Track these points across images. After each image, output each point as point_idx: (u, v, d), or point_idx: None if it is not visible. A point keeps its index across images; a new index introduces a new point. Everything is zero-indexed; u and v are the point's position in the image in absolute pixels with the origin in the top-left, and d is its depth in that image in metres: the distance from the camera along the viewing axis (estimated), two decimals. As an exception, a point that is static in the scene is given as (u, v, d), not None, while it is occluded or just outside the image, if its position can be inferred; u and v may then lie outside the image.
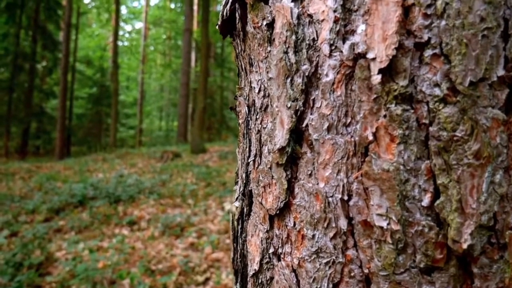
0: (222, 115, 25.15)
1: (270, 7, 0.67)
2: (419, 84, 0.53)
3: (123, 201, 7.62)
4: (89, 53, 28.34)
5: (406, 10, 0.54)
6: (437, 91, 0.52)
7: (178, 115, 20.58)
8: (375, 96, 0.54)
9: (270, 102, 0.66)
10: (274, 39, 0.66)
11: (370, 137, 0.54)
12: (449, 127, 0.52)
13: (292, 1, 0.63)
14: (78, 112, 24.95)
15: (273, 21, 0.66)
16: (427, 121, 0.53)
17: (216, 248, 5.29)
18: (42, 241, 5.45)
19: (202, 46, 14.96)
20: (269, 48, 0.67)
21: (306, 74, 0.60)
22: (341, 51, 0.57)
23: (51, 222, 6.46)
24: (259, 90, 0.69)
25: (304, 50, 0.61)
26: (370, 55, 0.54)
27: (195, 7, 25.14)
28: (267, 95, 0.67)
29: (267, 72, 0.66)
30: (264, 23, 0.67)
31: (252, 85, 0.72)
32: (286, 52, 0.62)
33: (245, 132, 0.76)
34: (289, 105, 0.61)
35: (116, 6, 23.87)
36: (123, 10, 37.79)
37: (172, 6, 32.79)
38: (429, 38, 0.52)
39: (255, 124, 0.71)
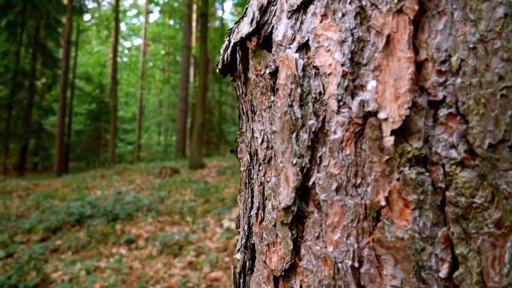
0: (221, 130, 25.14)
1: (273, 55, 0.63)
2: (434, 145, 0.49)
3: (121, 219, 7.53)
4: (88, 70, 28.43)
5: (419, 66, 0.50)
6: (453, 154, 0.48)
7: (176, 130, 20.55)
8: (387, 157, 0.50)
9: (274, 155, 0.62)
10: (277, 89, 0.62)
11: (383, 202, 0.50)
12: (467, 192, 0.48)
13: (296, 51, 0.60)
14: (77, 128, 24.89)
15: (276, 70, 0.63)
16: (443, 185, 0.49)
17: (215, 267, 5.20)
18: (38, 262, 5.35)
19: (201, 61, 15.03)
20: (272, 98, 0.64)
21: (313, 129, 0.56)
22: (350, 108, 0.53)
23: (48, 242, 6.36)
24: (262, 141, 0.66)
25: (310, 104, 0.57)
26: (381, 115, 0.50)
27: (194, 24, 25.35)
28: (270, 147, 0.63)
29: (271, 124, 0.63)
30: (267, 71, 0.64)
31: (255, 134, 0.69)
32: (291, 106, 0.59)
33: (247, 181, 0.72)
34: (294, 162, 0.57)
35: (116, 23, 24.04)
36: (123, 27, 38.07)
37: (171, 22, 33.04)
38: (444, 97, 0.49)
39: (257, 175, 0.68)
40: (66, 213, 7.64)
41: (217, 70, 0.78)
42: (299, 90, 0.58)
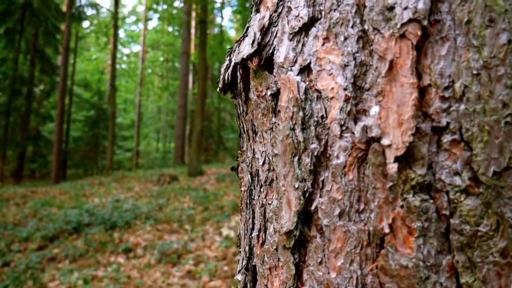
0: (220, 136, 25.13)
1: (274, 77, 0.63)
2: (437, 172, 0.49)
3: (119, 227, 7.49)
4: (87, 76, 28.43)
5: (422, 91, 0.50)
6: (458, 181, 0.48)
7: (175, 137, 20.53)
8: (390, 184, 0.50)
9: (276, 178, 0.62)
10: (279, 111, 0.62)
11: (387, 229, 0.50)
12: (472, 221, 0.47)
13: (298, 74, 0.60)
14: (75, 135, 24.84)
15: (278, 92, 0.62)
16: (447, 213, 0.48)
17: (214, 276, 5.17)
18: (35, 271, 5.31)
19: (200, 68, 15.06)
20: (273, 120, 0.63)
21: (315, 153, 0.56)
22: (353, 133, 0.53)
23: (45, 251, 6.32)
24: (264, 163, 0.65)
25: (312, 128, 0.57)
26: (385, 141, 0.50)
27: (193, 30, 25.42)
28: (272, 169, 0.63)
29: (272, 146, 0.62)
30: (269, 93, 0.64)
31: (256, 155, 0.68)
32: (293, 129, 0.58)
33: (248, 202, 0.71)
34: (296, 186, 0.57)
35: (115, 30, 24.10)
36: (122, 34, 38.18)
37: (170, 29, 33.15)
38: (448, 123, 0.49)
39: (259, 196, 0.67)
40: (63, 221, 7.60)
41: (217, 89, 0.78)
42: (301, 113, 0.58)
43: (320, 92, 0.57)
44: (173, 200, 10.04)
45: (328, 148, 0.55)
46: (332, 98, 0.55)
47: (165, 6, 25.53)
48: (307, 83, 0.59)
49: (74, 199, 10.95)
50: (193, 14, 23.06)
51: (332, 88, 0.56)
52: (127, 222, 7.63)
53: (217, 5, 23.09)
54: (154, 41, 33.55)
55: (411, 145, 0.49)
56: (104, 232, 7.12)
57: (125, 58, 40.16)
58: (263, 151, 0.66)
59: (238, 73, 0.74)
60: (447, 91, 0.49)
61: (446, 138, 0.49)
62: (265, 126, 0.65)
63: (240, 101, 0.77)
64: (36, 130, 20.05)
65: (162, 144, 36.53)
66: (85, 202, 9.96)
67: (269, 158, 0.64)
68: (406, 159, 0.49)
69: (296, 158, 0.57)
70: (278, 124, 0.61)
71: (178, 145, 19.34)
